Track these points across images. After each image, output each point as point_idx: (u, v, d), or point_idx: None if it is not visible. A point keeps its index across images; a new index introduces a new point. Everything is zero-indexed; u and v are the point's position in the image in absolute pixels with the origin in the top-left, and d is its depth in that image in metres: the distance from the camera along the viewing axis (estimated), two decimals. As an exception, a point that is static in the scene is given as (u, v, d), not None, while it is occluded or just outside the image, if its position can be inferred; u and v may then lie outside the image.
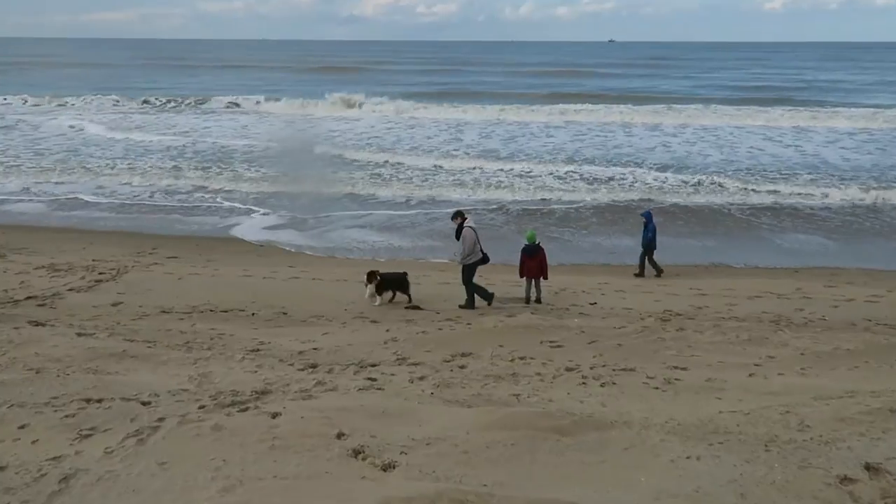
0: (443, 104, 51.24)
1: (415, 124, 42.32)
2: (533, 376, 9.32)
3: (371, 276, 14.68)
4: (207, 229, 22.13)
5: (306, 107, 51.91)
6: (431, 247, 20.13)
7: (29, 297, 14.12)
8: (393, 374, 9.24)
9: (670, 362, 10.13)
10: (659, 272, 17.50)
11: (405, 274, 14.97)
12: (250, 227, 22.35)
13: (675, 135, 40.26)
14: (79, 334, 10.65)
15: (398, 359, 10.26)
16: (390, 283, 14.79)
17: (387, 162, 31.15)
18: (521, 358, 10.24)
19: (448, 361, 10.13)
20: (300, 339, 11.61)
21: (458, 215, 14.92)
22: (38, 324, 11.43)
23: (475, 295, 14.57)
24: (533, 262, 15.01)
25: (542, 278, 15.08)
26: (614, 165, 30.59)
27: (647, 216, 18.15)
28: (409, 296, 14.76)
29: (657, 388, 8.85)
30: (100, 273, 16.31)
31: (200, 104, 54.86)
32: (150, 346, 10.32)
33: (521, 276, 15.25)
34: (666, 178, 28.35)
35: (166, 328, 12.13)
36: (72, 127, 43.14)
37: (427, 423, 6.96)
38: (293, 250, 19.92)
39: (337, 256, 19.53)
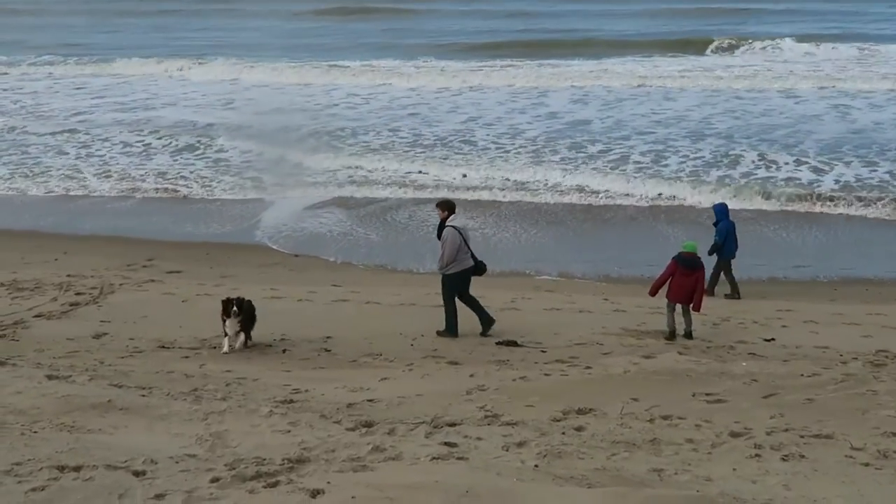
0: (521, 61, 49.79)
1: (479, 98, 40.73)
2: (682, 444, 9.15)
3: (228, 305, 14.01)
4: (222, 232, 22.74)
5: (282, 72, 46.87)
6: (537, 257, 20.14)
7: (-16, 326, 14.71)
8: (480, 439, 9.21)
9: (886, 427, 9.83)
10: (734, 292, 17.45)
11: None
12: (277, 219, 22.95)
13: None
14: (49, 377, 10.97)
15: (487, 416, 10.22)
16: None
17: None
18: (665, 417, 10.09)
19: (558, 421, 10.04)
20: (349, 386, 11.70)
21: (444, 206, 15.27)
22: (-6, 363, 11.86)
23: (479, 313, 15.00)
24: (687, 280, 14.87)
25: (691, 307, 14.92)
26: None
27: (719, 211, 18.04)
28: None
29: (867, 464, 8.63)
30: (77, 293, 16.86)
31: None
32: (144, 395, 10.56)
33: (651, 294, 15.19)
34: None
35: (167, 370, 12.41)
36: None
37: (530, 510, 6.92)
38: (338, 261, 20.21)
39: (398, 270, 19.72)
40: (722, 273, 17.71)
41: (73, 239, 22.29)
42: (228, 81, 45.30)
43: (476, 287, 15.19)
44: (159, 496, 7.19)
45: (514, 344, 14.32)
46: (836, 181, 25.50)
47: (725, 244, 17.67)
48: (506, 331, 14.92)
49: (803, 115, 34.04)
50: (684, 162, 27.85)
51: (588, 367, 12.61)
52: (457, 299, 15.02)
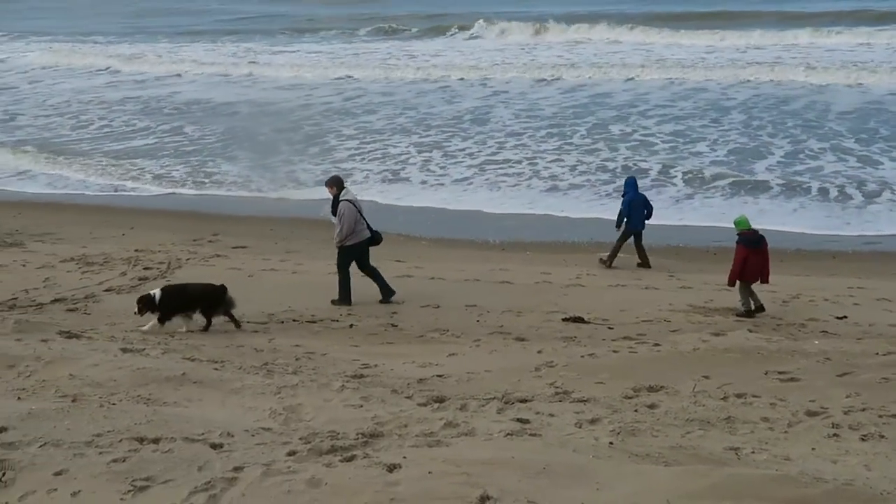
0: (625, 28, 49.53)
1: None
2: (758, 422, 9.05)
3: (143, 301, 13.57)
4: (286, 207, 22.91)
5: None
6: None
7: (56, 300, 15.01)
8: (552, 415, 9.18)
9: (967, 406, 9.60)
10: (644, 262, 17.93)
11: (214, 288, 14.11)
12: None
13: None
14: (124, 350, 11.17)
15: (558, 392, 10.20)
16: (189, 301, 13.90)
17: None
18: (739, 395, 9.99)
19: (630, 398, 9.99)
20: (418, 361, 11.76)
21: (334, 184, 15.83)
22: (71, 335, 12.09)
23: (380, 286, 15.56)
24: (758, 258, 14.76)
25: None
26: None
27: (629, 184, 18.49)
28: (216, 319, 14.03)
29: (950, 443, 8.45)
30: (145, 268, 17.14)
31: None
32: (217, 368, 10.70)
33: (731, 284, 14.97)
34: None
35: (237, 344, 12.58)
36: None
37: (608, 487, 6.86)
38: (403, 236, 20.26)
39: (461, 240, 19.71)
40: (633, 244, 18.11)
41: (140, 213, 22.63)
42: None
43: (544, 265, 15.17)
44: (237, 468, 7.24)
45: (581, 320, 14.25)
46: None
47: (631, 216, 17.94)
48: (571, 307, 14.87)
49: None
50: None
51: (657, 345, 12.51)
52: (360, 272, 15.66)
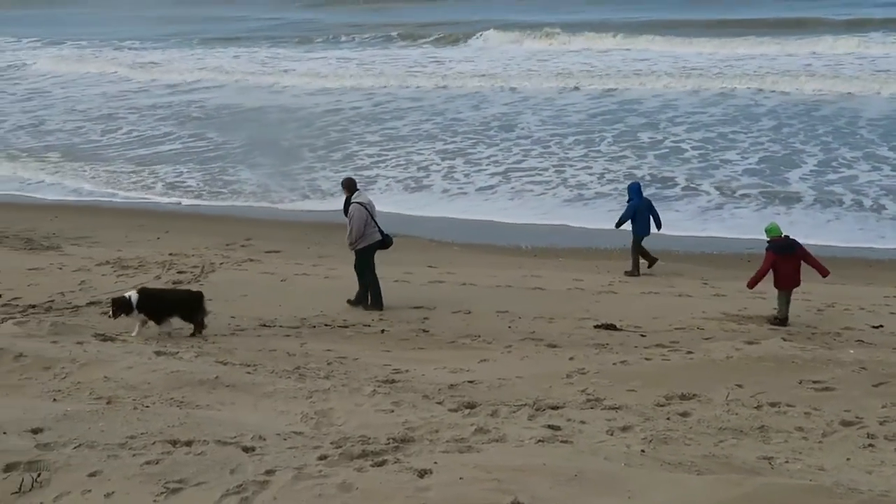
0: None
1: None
2: (792, 432, 9.01)
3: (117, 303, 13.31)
4: (318, 211, 22.98)
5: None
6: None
7: (92, 303, 15.13)
8: (583, 422, 9.15)
9: None
10: (634, 270, 17.78)
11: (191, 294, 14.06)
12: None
13: None
14: (158, 353, 11.27)
15: (589, 399, 10.19)
16: (166, 307, 13.60)
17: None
18: (773, 404, 9.93)
19: (662, 406, 9.95)
20: (449, 367, 11.77)
21: (346, 186, 15.96)
22: (106, 338, 12.20)
23: (372, 292, 15.61)
24: (790, 265, 14.68)
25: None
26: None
27: (632, 190, 18.44)
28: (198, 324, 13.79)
29: None
30: (179, 271, 17.26)
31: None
32: (249, 372, 10.77)
33: (750, 287, 14.92)
34: None
35: (269, 348, 12.64)
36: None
37: (641, 496, 6.83)
38: (434, 241, 20.26)
39: (493, 245, 19.72)
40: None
41: (175, 217, 22.81)
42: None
43: (577, 271, 15.11)
44: (269, 472, 7.27)
45: (613, 328, 14.20)
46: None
47: (637, 222, 17.91)
48: (603, 314, 14.83)
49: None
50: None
51: (689, 352, 12.44)
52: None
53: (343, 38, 57.45)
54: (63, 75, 48.31)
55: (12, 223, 21.70)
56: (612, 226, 18.49)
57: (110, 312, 13.27)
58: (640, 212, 18.04)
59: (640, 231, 18.00)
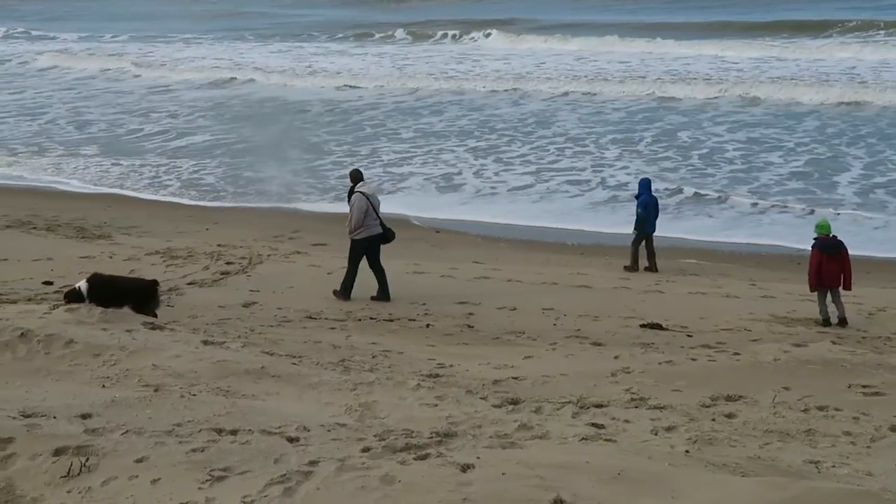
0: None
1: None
2: (840, 436, 8.87)
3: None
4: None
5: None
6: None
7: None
8: (627, 421, 9.09)
9: None
10: (651, 265, 17.72)
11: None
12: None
13: None
14: (205, 342, 11.34)
15: (633, 399, 10.12)
16: (118, 295, 12.92)
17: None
18: (820, 408, 9.78)
19: (708, 407, 9.85)
20: (493, 363, 11.74)
21: (352, 175, 16.24)
22: (154, 327, 12.32)
23: (380, 286, 15.60)
24: (834, 265, 14.53)
25: (840, 289, 14.59)
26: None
27: (643, 185, 18.35)
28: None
29: None
30: (227, 262, 17.43)
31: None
32: (294, 363, 10.81)
33: (813, 289, 14.69)
34: None
35: (314, 339, 12.69)
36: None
37: (685, 496, 6.76)
38: (481, 237, 20.27)
39: (540, 242, 19.65)
40: (645, 248, 17.96)
41: (222, 210, 23.01)
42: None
43: (621, 270, 14.98)
44: (313, 462, 7.29)
45: (658, 327, 14.13)
46: None
47: (645, 218, 17.78)
48: (649, 313, 14.76)
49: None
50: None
51: (736, 354, 12.31)
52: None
53: (396, 34, 57.91)
54: (110, 70, 49.05)
55: (63, 212, 22.05)
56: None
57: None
58: (649, 209, 17.95)
59: (647, 228, 17.92)
